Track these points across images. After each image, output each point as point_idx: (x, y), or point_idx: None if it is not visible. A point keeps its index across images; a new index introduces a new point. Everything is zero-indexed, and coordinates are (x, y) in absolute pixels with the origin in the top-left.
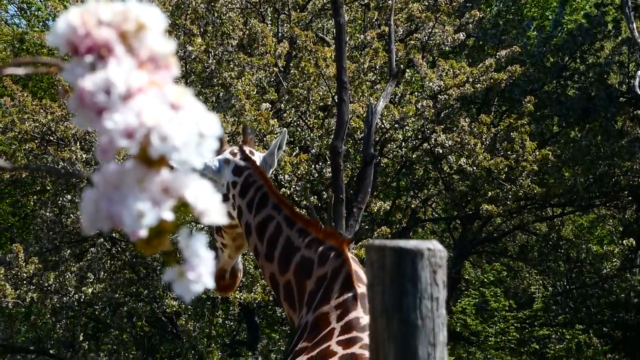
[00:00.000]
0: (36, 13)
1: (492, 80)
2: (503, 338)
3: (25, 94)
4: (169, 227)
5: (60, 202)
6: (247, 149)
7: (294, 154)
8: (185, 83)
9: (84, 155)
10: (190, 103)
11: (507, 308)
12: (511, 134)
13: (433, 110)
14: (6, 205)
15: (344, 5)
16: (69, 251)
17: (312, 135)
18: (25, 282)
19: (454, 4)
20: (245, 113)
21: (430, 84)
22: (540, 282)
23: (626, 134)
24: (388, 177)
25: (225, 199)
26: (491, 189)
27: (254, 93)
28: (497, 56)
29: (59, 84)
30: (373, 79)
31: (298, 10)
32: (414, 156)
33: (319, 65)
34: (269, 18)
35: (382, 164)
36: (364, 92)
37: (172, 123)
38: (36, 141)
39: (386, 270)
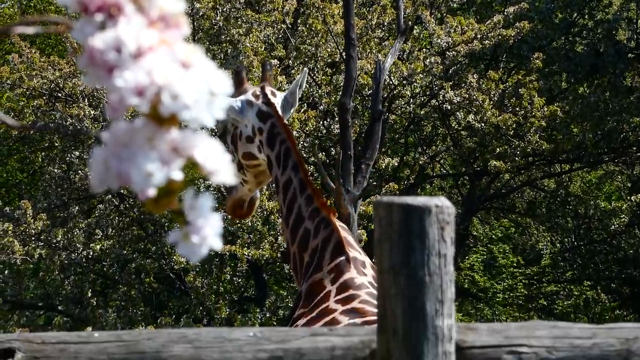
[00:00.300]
0: None
1: (500, 37)
2: (511, 294)
3: (33, 51)
4: (178, 186)
5: (68, 158)
6: (268, 90)
7: (302, 110)
8: (193, 40)
9: (92, 112)
10: (201, 61)
11: (515, 264)
12: (519, 90)
13: (441, 67)
14: (14, 162)
15: None
16: (77, 208)
17: (320, 91)
18: (33, 238)
19: None
20: (253, 70)
21: (439, 40)
22: (548, 238)
23: (635, 89)
24: (396, 134)
25: (250, 140)
26: (499, 145)
27: (262, 50)
28: (505, 13)
29: (68, 42)
30: (381, 35)
31: None
32: (422, 112)
33: (327, 22)
34: None
35: (390, 121)
36: (372, 49)
37: (182, 81)
38: (44, 98)
39: (394, 226)
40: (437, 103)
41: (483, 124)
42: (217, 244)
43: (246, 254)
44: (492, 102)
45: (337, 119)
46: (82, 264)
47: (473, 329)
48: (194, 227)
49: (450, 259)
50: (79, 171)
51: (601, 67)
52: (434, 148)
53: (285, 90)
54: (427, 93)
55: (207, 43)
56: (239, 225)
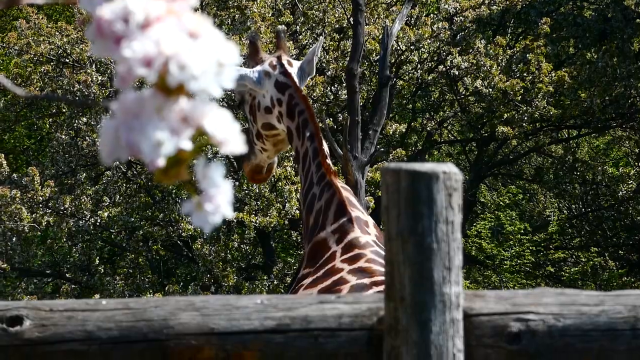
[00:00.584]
0: None
1: (508, 2)
2: (518, 261)
3: (41, 17)
4: (188, 156)
5: (76, 125)
6: (285, 59)
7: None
8: (201, 6)
9: (100, 78)
10: (209, 32)
11: (522, 231)
12: (527, 55)
13: (449, 32)
14: (22, 128)
15: None
16: (84, 174)
17: (327, 57)
18: (41, 205)
19: None
20: (261, 35)
21: (446, 5)
22: (556, 204)
23: None
24: (404, 99)
25: (268, 111)
26: (507, 110)
27: (270, 15)
28: None
29: (75, 9)
30: (389, 1)
31: None
32: (429, 78)
33: None
34: None
35: (397, 86)
36: (379, 14)
37: (190, 52)
38: (52, 64)
39: (401, 193)
40: (444, 69)
41: (491, 90)
42: (230, 212)
43: (254, 221)
44: (499, 67)
45: (344, 84)
46: (89, 231)
47: (480, 296)
48: (207, 196)
49: (458, 226)
50: (87, 137)
51: (609, 33)
52: (441, 114)
53: (293, 54)
54: (435, 59)
55: (215, 9)
56: (246, 192)
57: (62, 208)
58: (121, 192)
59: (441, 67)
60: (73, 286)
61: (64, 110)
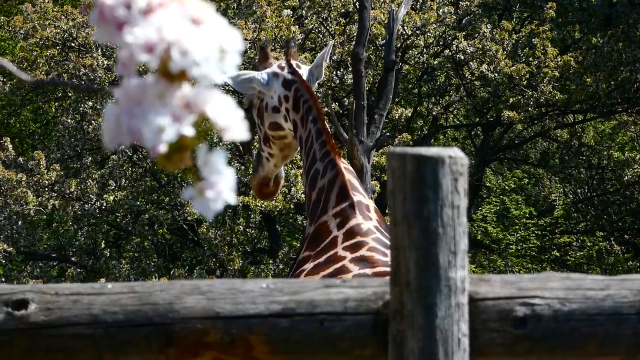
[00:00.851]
0: None
1: None
2: (524, 246)
3: (47, 0)
4: (190, 142)
5: (81, 108)
6: (294, 62)
7: None
8: None
9: (106, 62)
10: (212, 18)
11: (527, 215)
12: (533, 40)
13: (455, 17)
14: (28, 112)
15: None
16: (90, 158)
17: (333, 42)
18: (46, 189)
19: None
20: (267, 20)
21: None
22: (561, 189)
23: None
24: (409, 84)
25: (276, 110)
26: (513, 95)
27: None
28: None
29: None
30: None
31: None
32: (435, 63)
33: None
34: None
35: (403, 71)
36: None
37: (192, 38)
38: (57, 47)
39: (407, 177)
40: (450, 53)
41: (496, 74)
42: (232, 199)
43: (259, 205)
44: (505, 52)
45: (350, 69)
46: (95, 215)
47: (486, 280)
48: (209, 182)
49: (464, 210)
50: (93, 121)
51: (615, 18)
52: (447, 98)
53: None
54: (441, 43)
55: None
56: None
57: (68, 192)
58: (127, 176)
59: (447, 51)
60: (79, 270)
61: (69, 94)
